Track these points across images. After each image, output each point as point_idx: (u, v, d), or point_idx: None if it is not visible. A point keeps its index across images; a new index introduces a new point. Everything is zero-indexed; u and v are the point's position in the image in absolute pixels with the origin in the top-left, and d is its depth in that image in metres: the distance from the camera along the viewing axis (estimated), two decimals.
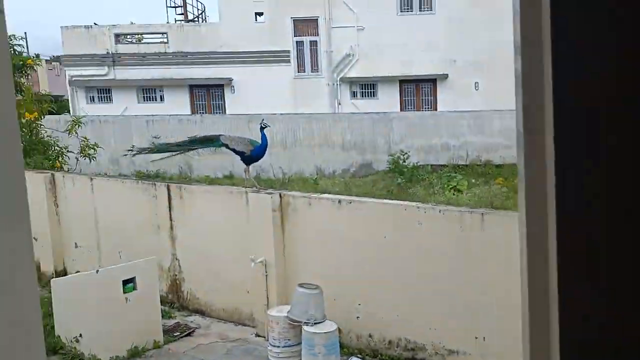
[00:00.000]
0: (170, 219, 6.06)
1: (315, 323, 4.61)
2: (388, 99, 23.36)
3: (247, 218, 5.42)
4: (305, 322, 4.62)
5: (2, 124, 0.52)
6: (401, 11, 23.48)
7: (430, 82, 23.69)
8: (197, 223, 5.91)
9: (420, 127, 18.95)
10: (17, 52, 9.98)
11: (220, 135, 6.81)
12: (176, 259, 6.09)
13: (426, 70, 23.31)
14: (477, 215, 4.48)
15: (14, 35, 9.69)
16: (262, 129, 6.81)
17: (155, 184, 6.29)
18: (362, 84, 24.17)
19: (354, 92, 24.26)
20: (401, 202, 5.02)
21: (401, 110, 23.00)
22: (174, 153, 6.73)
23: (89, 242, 6.86)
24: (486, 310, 4.62)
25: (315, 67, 24.26)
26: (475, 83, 22.63)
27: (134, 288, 4.56)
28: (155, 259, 5.24)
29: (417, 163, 17.22)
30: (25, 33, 36.70)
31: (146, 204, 6.24)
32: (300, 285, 4.76)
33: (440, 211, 4.59)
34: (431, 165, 18.04)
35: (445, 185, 14.64)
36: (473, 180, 15.63)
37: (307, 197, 5.23)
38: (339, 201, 4.99)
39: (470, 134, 18.70)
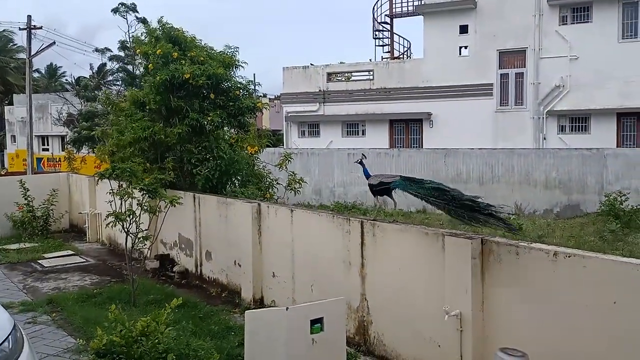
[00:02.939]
0: (362, 257, 5.96)
1: None
2: (602, 134, 21.14)
3: (443, 263, 4.95)
4: None
5: None
6: (623, 38, 21.22)
7: None
8: (388, 263, 5.66)
9: None
10: (250, 95, 10.93)
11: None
12: (365, 300, 5.95)
13: None
14: None
15: (251, 81, 10.90)
16: (360, 162, 6.71)
17: (349, 219, 6.15)
18: (572, 118, 22.30)
19: (562, 126, 22.49)
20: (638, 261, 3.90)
21: (617, 146, 20.60)
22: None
23: (285, 272, 7.20)
24: None
25: (519, 100, 23.16)
26: None
27: (321, 329, 4.49)
28: (344, 299, 5.03)
29: (637, 206, 15.13)
30: (254, 75, 41.66)
31: (339, 239, 6.24)
32: (502, 350, 4.05)
33: None
34: None
35: None
36: None
37: (514, 245, 4.48)
38: (555, 253, 4.22)
39: None
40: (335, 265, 6.34)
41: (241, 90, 10.52)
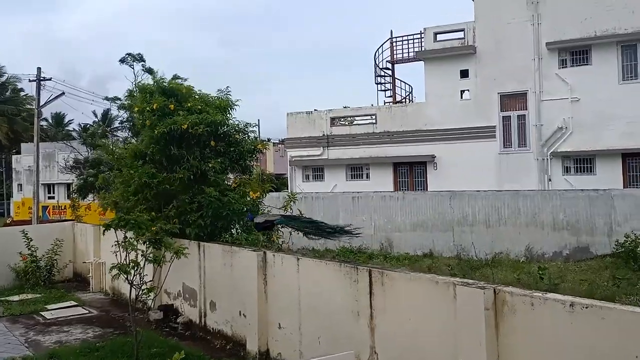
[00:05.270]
0: (371, 307, 5.76)
1: None
2: (608, 175, 21.06)
3: (455, 314, 4.78)
4: None
5: None
6: (623, 80, 21.44)
7: None
8: (397, 313, 5.47)
9: None
10: (250, 138, 10.97)
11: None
12: (375, 353, 5.69)
13: None
14: None
15: (249, 123, 10.93)
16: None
17: (357, 268, 5.98)
18: (576, 159, 22.29)
19: (566, 167, 22.46)
20: None
21: (624, 187, 20.48)
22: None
23: (291, 323, 6.96)
24: None
25: (522, 142, 23.23)
26: None
27: None
28: (353, 353, 4.90)
29: None
30: (258, 120, 42.12)
31: (347, 288, 6.06)
32: None
33: None
34: None
35: None
36: None
37: (529, 295, 4.34)
38: (571, 304, 4.08)
39: None
40: (343, 315, 6.15)
41: (240, 134, 10.54)
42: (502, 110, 23.69)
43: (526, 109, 23.19)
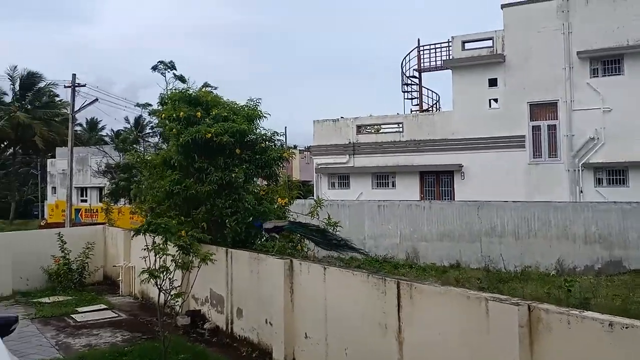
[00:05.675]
0: (399, 320, 5.66)
1: None
2: None
3: (487, 330, 4.64)
4: None
5: None
6: None
7: None
8: (427, 327, 5.35)
9: None
10: (276, 146, 10.98)
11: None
12: None
13: None
14: None
15: (276, 132, 11.01)
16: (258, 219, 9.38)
17: (385, 279, 5.90)
18: (609, 170, 21.82)
19: (598, 178, 22.00)
20: None
21: None
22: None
23: (317, 333, 6.92)
24: None
25: (553, 152, 22.86)
26: None
27: None
28: None
29: None
30: (285, 128, 42.25)
31: (374, 300, 5.98)
32: None
33: None
34: None
35: None
36: None
37: (565, 313, 4.18)
38: (610, 324, 3.90)
39: None
40: (371, 328, 6.07)
41: (267, 142, 10.59)
42: (531, 119, 23.36)
43: (557, 119, 22.83)
